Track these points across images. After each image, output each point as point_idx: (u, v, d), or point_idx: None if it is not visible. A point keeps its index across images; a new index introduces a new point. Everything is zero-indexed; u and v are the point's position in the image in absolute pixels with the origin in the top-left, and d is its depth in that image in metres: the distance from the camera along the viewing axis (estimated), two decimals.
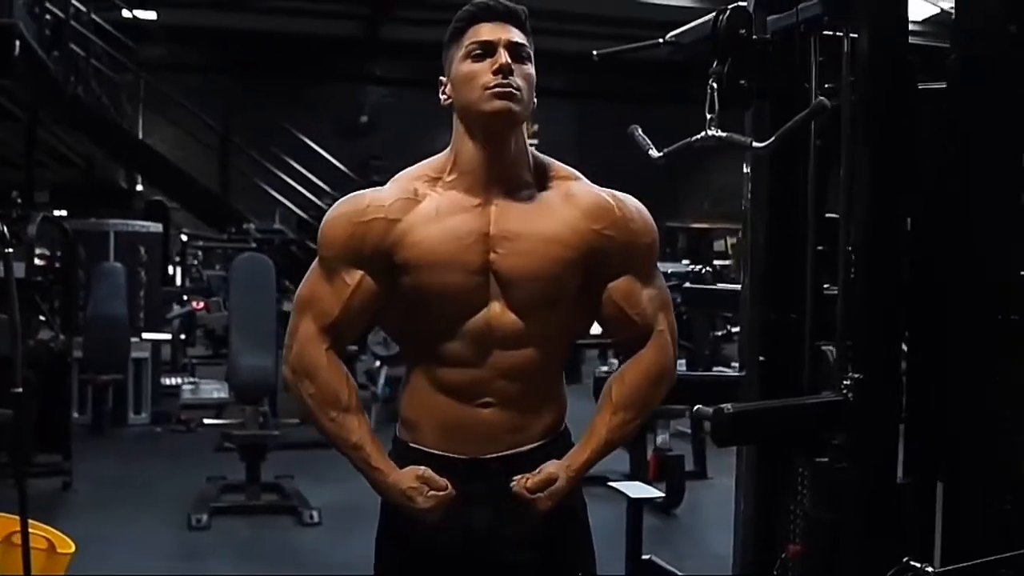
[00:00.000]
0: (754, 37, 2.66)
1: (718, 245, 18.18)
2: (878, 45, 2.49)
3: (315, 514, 5.99)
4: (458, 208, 2.08)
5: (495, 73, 2.03)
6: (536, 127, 20.90)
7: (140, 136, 12.54)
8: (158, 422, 8.89)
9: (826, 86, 2.71)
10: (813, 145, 2.73)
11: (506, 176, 2.11)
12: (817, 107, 2.43)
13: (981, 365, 2.48)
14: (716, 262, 8.97)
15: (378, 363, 9.20)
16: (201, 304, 10.08)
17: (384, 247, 2.08)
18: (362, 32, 17.84)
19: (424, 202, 2.10)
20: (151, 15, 14.04)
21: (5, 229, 3.16)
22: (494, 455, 2.11)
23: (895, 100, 2.52)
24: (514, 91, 2.03)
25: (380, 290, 2.11)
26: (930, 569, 2.16)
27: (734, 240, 17.72)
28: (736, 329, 8.52)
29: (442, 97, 2.13)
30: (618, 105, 16.90)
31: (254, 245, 8.57)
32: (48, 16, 9.50)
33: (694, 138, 2.66)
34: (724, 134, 2.58)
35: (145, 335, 8.68)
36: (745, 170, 2.96)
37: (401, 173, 2.18)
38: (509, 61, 2.04)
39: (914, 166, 2.58)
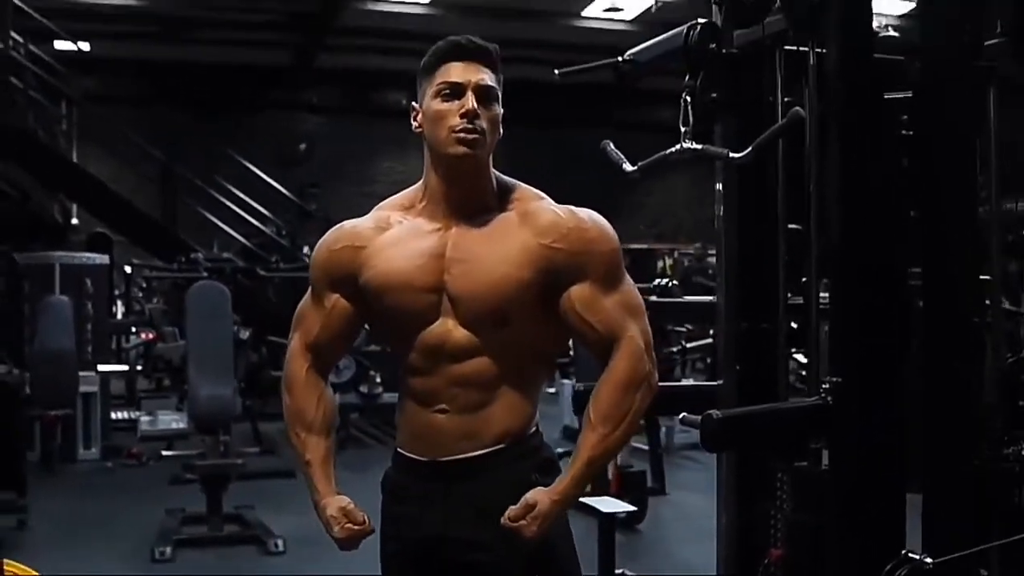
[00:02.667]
0: (723, 51, 2.73)
1: (659, 265, 18.34)
2: (845, 58, 2.55)
3: (279, 542, 5.95)
4: (419, 233, 2.24)
5: (462, 117, 2.16)
6: None
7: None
8: (108, 457, 8.72)
9: (785, 99, 2.78)
10: (780, 158, 2.80)
11: (468, 203, 2.24)
12: (793, 117, 2.50)
13: (946, 367, 2.56)
14: (660, 280, 9.06)
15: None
16: (152, 335, 10.00)
17: (351, 271, 2.28)
18: (297, 61, 17.83)
19: (391, 229, 2.27)
20: (84, 46, 13.93)
21: None
22: (448, 458, 2.23)
23: (862, 111, 2.58)
24: (478, 135, 2.17)
25: (355, 310, 2.32)
26: (928, 560, 2.20)
27: (671, 260, 17.97)
28: (691, 345, 8.66)
29: (413, 124, 2.27)
30: (550, 130, 17.06)
31: (205, 274, 8.51)
32: None
33: (669, 151, 2.72)
34: (700, 146, 2.64)
35: (100, 367, 8.56)
36: (717, 186, 3.01)
37: (383, 202, 2.37)
38: (475, 107, 2.16)
39: (882, 175, 2.65)
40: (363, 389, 9.12)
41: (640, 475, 6.50)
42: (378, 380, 9.16)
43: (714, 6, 2.77)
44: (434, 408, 2.23)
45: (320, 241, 2.38)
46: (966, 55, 2.56)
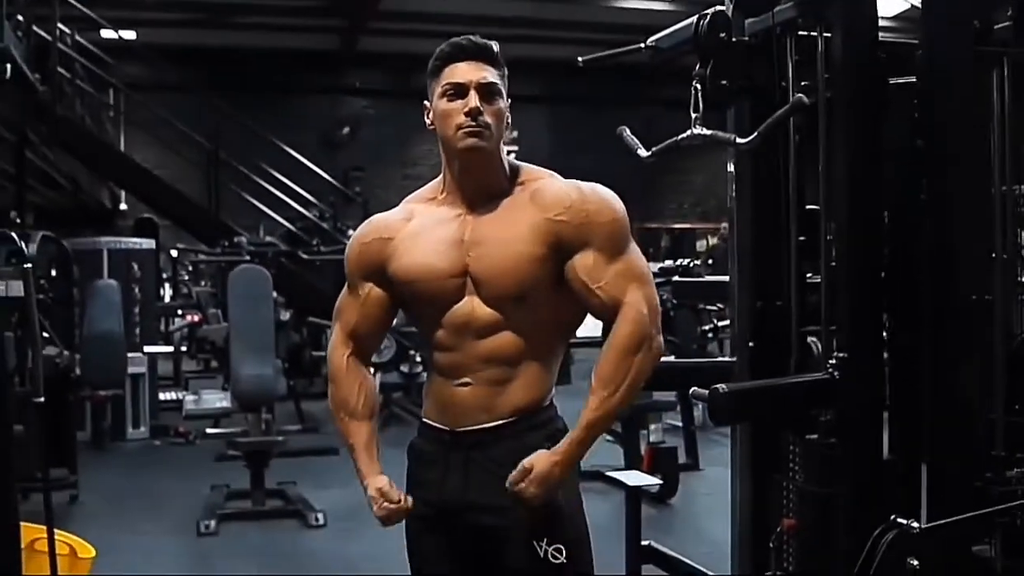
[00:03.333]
0: (733, 39, 2.82)
1: (700, 245, 18.31)
2: (850, 43, 2.64)
3: (320, 516, 6.12)
4: (441, 222, 2.43)
5: (466, 115, 2.32)
6: (516, 133, 21.11)
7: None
8: (156, 435, 8.99)
9: (803, 84, 2.86)
10: (792, 140, 2.89)
11: (482, 190, 2.41)
12: (796, 103, 2.59)
13: (953, 345, 2.64)
14: (684, 260, 9.13)
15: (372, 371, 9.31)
16: (197, 317, 10.19)
17: (381, 261, 2.47)
18: (340, 45, 17.97)
19: (414, 220, 2.47)
20: (131, 35, 14.15)
21: (24, 246, 3.28)
22: (468, 428, 2.39)
23: (867, 95, 2.67)
24: (482, 130, 2.33)
25: (388, 297, 2.49)
26: (916, 525, 2.30)
27: (715, 240, 17.89)
28: (723, 323, 8.72)
29: (427, 122, 2.44)
30: (590, 111, 17.07)
31: (247, 258, 8.67)
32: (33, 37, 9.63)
33: (680, 136, 2.82)
34: (709, 132, 2.73)
35: (147, 348, 8.77)
36: (729, 168, 3.11)
37: (410, 196, 2.57)
38: (478, 104, 2.32)
39: (888, 157, 2.73)
40: (404, 368, 9.26)
41: (671, 451, 6.60)
42: (418, 360, 9.28)
43: None
44: (458, 381, 2.38)
45: (353, 236, 2.59)
46: (971, 41, 2.64)
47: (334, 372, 2.52)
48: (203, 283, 13.81)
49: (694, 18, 2.82)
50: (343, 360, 2.50)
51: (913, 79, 2.71)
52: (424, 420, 2.49)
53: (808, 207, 2.89)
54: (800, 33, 2.84)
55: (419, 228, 2.45)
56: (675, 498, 6.49)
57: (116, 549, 5.17)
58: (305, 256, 9.74)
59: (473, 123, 2.32)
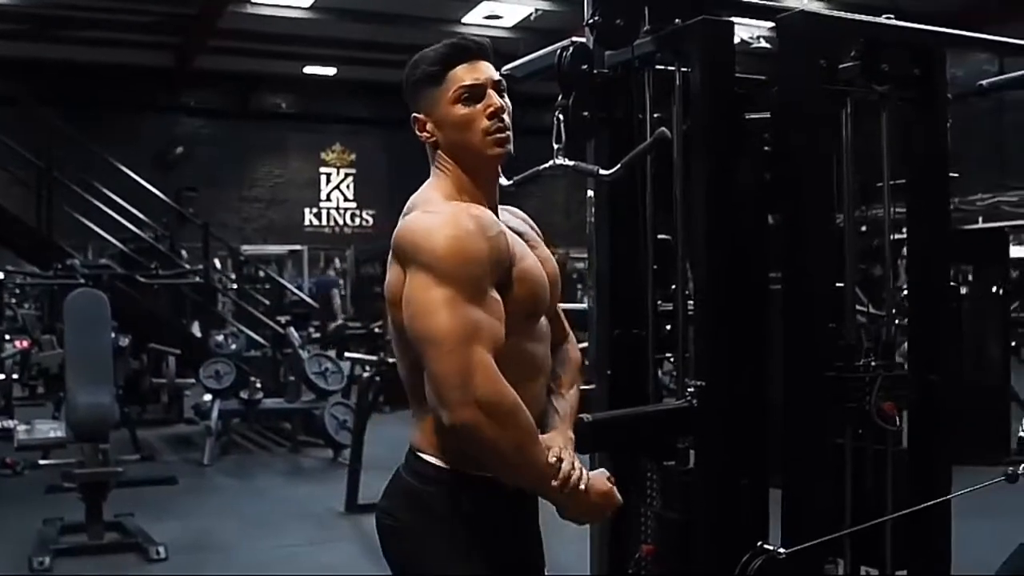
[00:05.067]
0: (594, 72, 2.86)
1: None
2: (708, 79, 2.71)
3: (161, 549, 5.92)
4: None
5: (490, 118, 2.16)
6: (354, 156, 21.03)
7: None
8: None
9: (655, 116, 2.92)
10: (649, 172, 2.94)
11: (495, 197, 2.28)
12: (659, 136, 2.64)
13: (805, 373, 2.73)
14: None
15: (209, 396, 9.12)
16: (27, 343, 9.80)
17: (509, 257, 2.14)
18: (175, 62, 17.62)
19: None
20: None
21: None
22: None
23: (724, 129, 2.74)
24: (509, 131, 2.19)
25: (501, 302, 2.11)
26: (782, 550, 2.36)
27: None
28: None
29: (423, 135, 2.23)
30: None
31: (82, 281, 8.39)
32: None
33: (543, 166, 2.83)
34: (571, 163, 2.75)
35: None
36: (589, 194, 3.15)
37: (435, 196, 2.19)
38: (501, 104, 2.17)
39: (742, 188, 2.81)
40: (243, 395, 9.07)
41: None
42: (258, 385, 9.12)
43: (586, 28, 2.90)
44: (538, 410, 2.19)
45: (454, 234, 2.05)
46: (819, 79, 2.75)
47: (511, 405, 2.00)
48: (25, 306, 13.32)
49: (555, 47, 2.86)
50: (510, 390, 2.01)
51: (767, 114, 2.81)
52: (479, 474, 2.11)
53: (660, 236, 2.94)
54: (658, 67, 2.91)
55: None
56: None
57: None
58: (142, 279, 9.46)
59: (501, 124, 2.17)
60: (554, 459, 2.09)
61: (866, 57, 2.88)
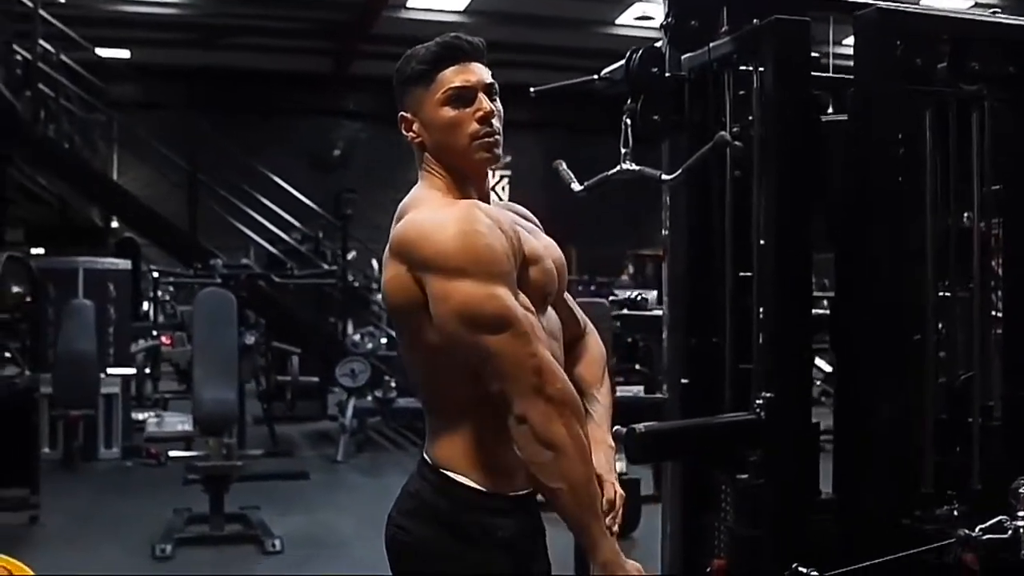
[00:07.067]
0: (667, 74, 2.80)
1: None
2: (782, 80, 2.61)
3: (277, 542, 6.06)
4: None
5: (479, 122, 2.08)
6: (509, 158, 21.13)
7: (115, 175, 12.65)
8: (129, 456, 8.94)
9: (743, 119, 2.84)
10: (730, 175, 2.86)
11: (485, 198, 2.18)
12: (718, 140, 2.57)
13: (890, 383, 2.61)
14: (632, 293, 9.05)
15: (346, 395, 9.30)
16: (167, 338, 10.18)
17: (520, 250, 2.09)
18: (332, 68, 18.01)
19: None
20: (124, 54, 14.18)
21: None
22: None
23: (798, 132, 2.64)
24: (498, 136, 2.11)
25: None
26: (815, 573, 2.26)
27: None
28: None
29: (409, 135, 2.17)
30: (584, 136, 17.07)
31: (218, 280, 8.67)
32: (17, 57, 9.66)
33: (610, 172, 2.79)
34: (637, 167, 2.71)
35: (110, 370, 8.75)
36: (665, 199, 3.09)
37: (428, 197, 2.14)
38: (491, 108, 2.09)
39: (822, 194, 2.70)
40: (378, 394, 9.22)
41: (634, 483, 6.52)
42: (392, 384, 9.25)
43: (660, 30, 2.84)
44: None
45: (475, 229, 2.00)
46: (898, 79, 2.63)
47: (579, 406, 2.02)
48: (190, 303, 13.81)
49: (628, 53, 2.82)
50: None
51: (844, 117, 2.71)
52: (515, 494, 2.09)
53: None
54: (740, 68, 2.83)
55: None
56: (637, 531, 6.42)
57: (66, 571, 5.12)
58: (277, 279, 9.70)
59: (489, 129, 2.08)
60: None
61: (953, 54, 2.73)
